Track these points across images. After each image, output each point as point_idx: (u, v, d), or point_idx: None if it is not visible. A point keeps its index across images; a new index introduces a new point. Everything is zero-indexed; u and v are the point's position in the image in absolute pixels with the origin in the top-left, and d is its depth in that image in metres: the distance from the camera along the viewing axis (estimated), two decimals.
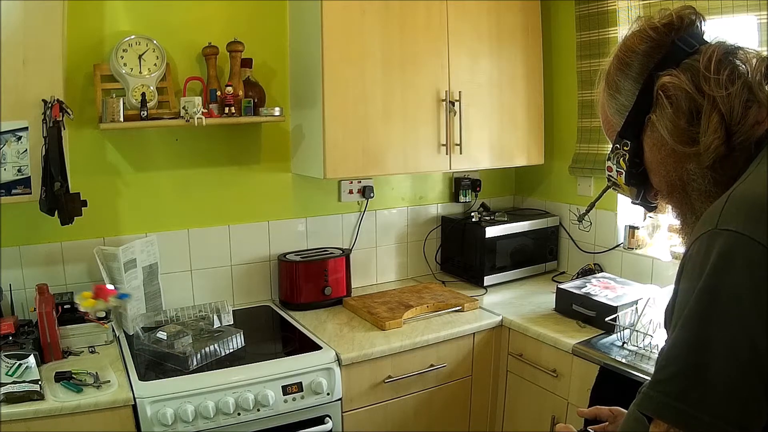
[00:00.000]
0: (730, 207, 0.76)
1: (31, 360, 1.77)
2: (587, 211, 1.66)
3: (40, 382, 1.69)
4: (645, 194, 0.99)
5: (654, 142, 0.92)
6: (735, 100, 0.83)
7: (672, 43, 0.90)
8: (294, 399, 1.90)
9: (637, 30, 0.94)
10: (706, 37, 0.92)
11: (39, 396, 1.64)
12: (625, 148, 0.96)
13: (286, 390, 1.89)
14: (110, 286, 1.93)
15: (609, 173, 1.02)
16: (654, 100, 0.90)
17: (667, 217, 2.37)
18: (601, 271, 2.63)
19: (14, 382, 1.66)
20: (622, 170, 0.98)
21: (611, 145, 0.99)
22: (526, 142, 2.71)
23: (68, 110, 1.86)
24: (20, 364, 1.75)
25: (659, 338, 1.89)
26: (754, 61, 0.86)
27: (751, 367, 0.69)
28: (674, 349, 0.76)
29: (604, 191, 1.21)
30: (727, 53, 0.86)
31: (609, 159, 1.01)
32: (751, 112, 0.83)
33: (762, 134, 0.84)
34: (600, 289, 2.27)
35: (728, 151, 0.84)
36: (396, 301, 2.43)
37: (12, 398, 1.61)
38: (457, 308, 2.39)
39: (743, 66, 0.86)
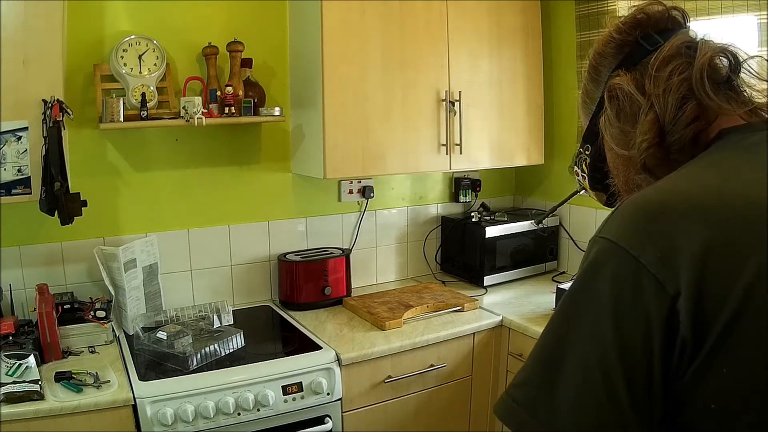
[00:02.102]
0: (617, 213, 0.71)
1: (31, 360, 1.77)
2: (548, 215, 1.63)
3: (40, 382, 1.69)
4: (619, 198, 0.94)
5: (606, 146, 0.89)
6: (669, 97, 0.76)
7: (635, 42, 0.84)
8: (294, 399, 1.90)
9: (604, 32, 0.89)
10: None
11: (39, 396, 1.64)
12: (586, 152, 0.94)
13: (286, 390, 1.89)
14: None
15: (577, 177, 1.00)
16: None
17: None
18: None
19: (14, 382, 1.66)
20: (585, 175, 0.96)
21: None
22: (526, 142, 2.71)
23: (68, 110, 1.86)
24: (20, 364, 1.75)
25: None
26: (708, 53, 0.78)
27: (602, 388, 0.64)
28: (531, 355, 0.72)
29: (571, 196, 1.19)
30: (686, 46, 0.79)
31: (575, 164, 0.99)
32: (687, 109, 0.76)
33: (708, 138, 0.77)
34: None
35: (665, 153, 0.78)
36: (396, 301, 2.43)
37: (12, 398, 1.61)
38: (457, 308, 2.39)
39: (695, 60, 0.78)
